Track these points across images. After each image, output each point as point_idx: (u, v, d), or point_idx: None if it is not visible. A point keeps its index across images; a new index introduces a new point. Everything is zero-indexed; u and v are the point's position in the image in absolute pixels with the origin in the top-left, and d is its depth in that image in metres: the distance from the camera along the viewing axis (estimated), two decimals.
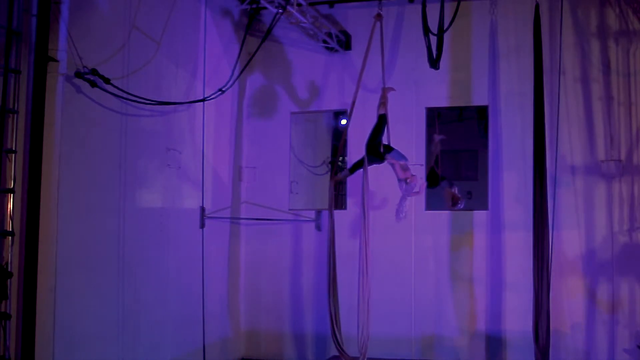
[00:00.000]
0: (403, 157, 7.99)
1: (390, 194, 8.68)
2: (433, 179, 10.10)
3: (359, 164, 8.14)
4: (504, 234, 9.33)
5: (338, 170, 9.69)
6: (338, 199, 11.78)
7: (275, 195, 10.27)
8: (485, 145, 9.80)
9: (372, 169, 8.18)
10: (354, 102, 8.37)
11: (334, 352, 9.54)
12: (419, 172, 9.59)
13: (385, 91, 8.33)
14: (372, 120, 8.31)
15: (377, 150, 7.96)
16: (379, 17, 8.40)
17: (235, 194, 10.16)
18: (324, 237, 9.87)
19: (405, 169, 7.94)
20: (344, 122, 9.32)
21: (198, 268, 8.91)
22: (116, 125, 7.35)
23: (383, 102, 8.25)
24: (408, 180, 7.89)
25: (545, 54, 8.58)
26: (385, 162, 8.03)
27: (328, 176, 11.21)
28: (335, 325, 8.23)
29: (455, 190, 10.20)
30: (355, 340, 7.84)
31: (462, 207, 10.00)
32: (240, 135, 10.26)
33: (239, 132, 10.25)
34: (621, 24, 9.15)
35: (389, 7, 9.66)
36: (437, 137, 10.60)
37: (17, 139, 6.07)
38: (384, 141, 8.16)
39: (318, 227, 10.00)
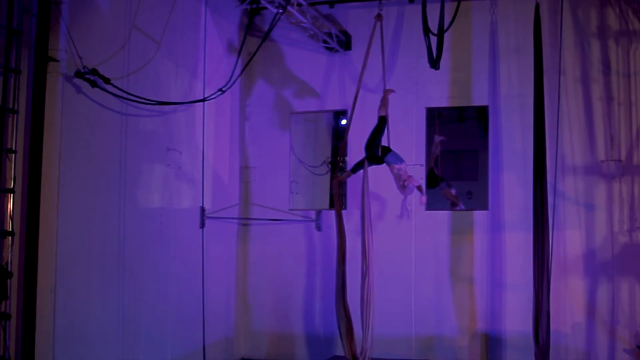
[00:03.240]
0: (401, 159, 7.99)
1: (391, 194, 8.68)
2: (432, 180, 10.13)
3: (359, 165, 8.15)
4: (504, 234, 9.32)
5: (339, 170, 9.72)
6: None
7: (276, 195, 10.26)
8: (485, 145, 9.79)
9: (372, 171, 8.19)
10: (354, 103, 8.38)
11: (335, 352, 9.56)
12: (419, 173, 9.61)
13: (386, 93, 8.34)
14: (373, 121, 8.33)
15: (375, 152, 7.97)
16: (379, 17, 8.42)
17: (235, 194, 10.16)
18: (324, 237, 9.90)
19: (401, 171, 7.92)
20: (344, 122, 9.33)
21: (198, 268, 8.90)
22: (116, 125, 7.34)
23: (384, 104, 8.25)
24: (405, 183, 7.89)
25: (545, 54, 8.57)
26: (384, 163, 8.05)
27: (328, 176, 11.26)
28: (347, 334, 8.05)
29: (454, 191, 10.25)
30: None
31: (462, 208, 10.04)
32: (240, 135, 10.26)
33: (239, 132, 10.25)
34: (621, 24, 9.15)
35: (389, 7, 9.66)
36: (437, 138, 10.65)
37: (17, 139, 6.07)
38: (384, 142, 8.17)
39: (318, 227, 10.00)
